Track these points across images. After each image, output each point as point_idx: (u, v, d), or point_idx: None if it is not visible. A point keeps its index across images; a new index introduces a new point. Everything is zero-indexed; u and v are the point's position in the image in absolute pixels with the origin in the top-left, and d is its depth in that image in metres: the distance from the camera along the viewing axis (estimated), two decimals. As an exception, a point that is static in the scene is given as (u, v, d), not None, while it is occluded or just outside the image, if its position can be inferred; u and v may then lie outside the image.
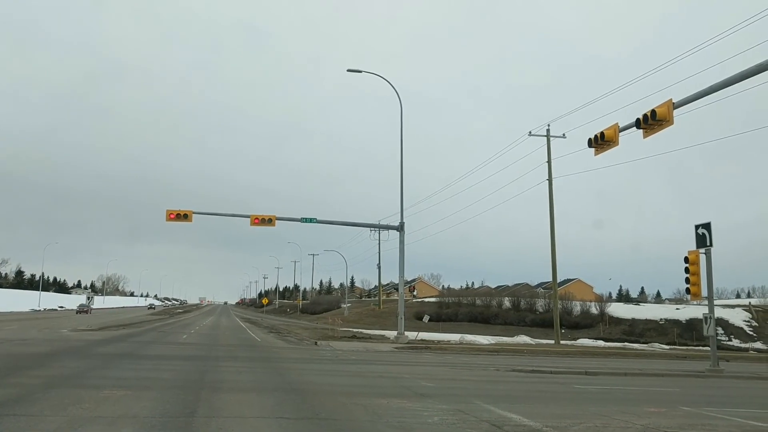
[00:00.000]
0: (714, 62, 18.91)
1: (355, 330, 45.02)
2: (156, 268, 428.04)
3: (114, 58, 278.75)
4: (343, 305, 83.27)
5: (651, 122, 16.48)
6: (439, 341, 34.71)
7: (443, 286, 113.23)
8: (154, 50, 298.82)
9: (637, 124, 16.96)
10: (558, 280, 40.55)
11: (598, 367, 21.82)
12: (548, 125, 38.09)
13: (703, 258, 22.08)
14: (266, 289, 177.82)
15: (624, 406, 11.41)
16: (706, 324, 22.28)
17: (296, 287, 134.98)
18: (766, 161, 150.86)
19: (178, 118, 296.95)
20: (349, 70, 35.06)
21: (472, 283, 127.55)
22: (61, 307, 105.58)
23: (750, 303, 60.27)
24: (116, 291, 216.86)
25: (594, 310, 55.85)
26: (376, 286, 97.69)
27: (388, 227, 39.09)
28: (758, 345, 43.75)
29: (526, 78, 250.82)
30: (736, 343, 44.79)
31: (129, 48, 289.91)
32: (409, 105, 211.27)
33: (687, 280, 22.43)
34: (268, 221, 35.53)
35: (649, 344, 41.81)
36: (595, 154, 19.15)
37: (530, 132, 37.80)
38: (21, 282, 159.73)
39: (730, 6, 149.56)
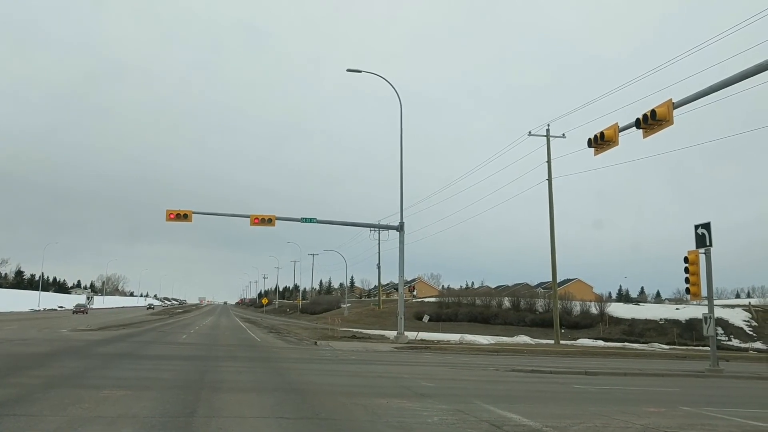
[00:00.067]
0: (714, 62, 18.93)
1: (354, 330, 45.03)
2: (156, 268, 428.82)
3: (114, 58, 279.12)
4: (343, 305, 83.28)
5: (651, 122, 16.47)
6: (438, 341, 34.72)
7: (443, 286, 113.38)
8: (154, 50, 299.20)
9: (637, 124, 16.95)
10: (558, 280, 40.55)
11: (598, 367, 21.82)
12: (548, 125, 38.17)
13: (702, 258, 22.08)
14: (266, 289, 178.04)
15: (624, 406, 11.41)
16: (705, 324, 22.29)
17: (296, 287, 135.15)
18: (765, 161, 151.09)
19: (178, 118, 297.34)
20: (348, 70, 35.10)
21: (472, 283, 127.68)
22: (61, 307, 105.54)
23: (750, 303, 60.29)
24: (116, 291, 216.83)
25: (594, 310, 55.87)
26: (375, 286, 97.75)
27: (388, 227, 39.10)
28: (758, 345, 43.77)
29: (526, 78, 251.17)
30: (735, 343, 44.81)
31: (129, 48, 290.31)
32: (409, 105, 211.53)
33: (687, 280, 22.43)
34: (268, 221, 35.53)
35: (649, 344, 41.82)
36: (595, 154, 19.15)
37: (530, 132, 37.85)
38: (21, 282, 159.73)
39: (730, 6, 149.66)
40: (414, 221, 57.54)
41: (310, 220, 37.63)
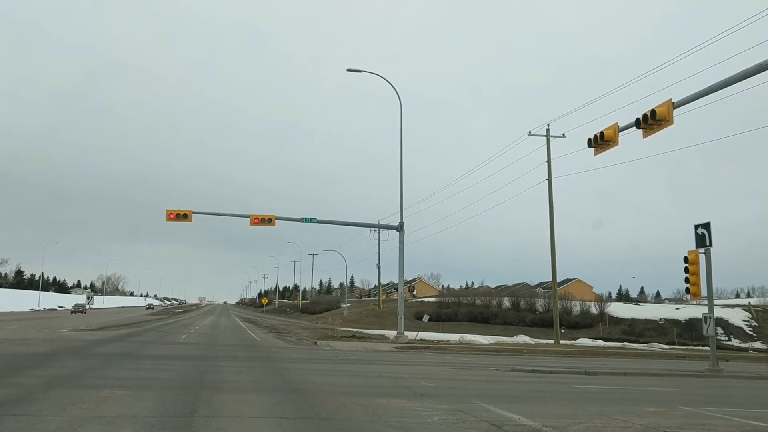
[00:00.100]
0: (714, 62, 18.92)
1: (354, 330, 45.04)
2: (156, 268, 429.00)
3: (114, 58, 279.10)
4: (343, 305, 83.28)
5: (651, 122, 16.48)
6: (438, 341, 34.72)
7: (443, 285, 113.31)
8: (154, 50, 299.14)
9: (637, 123, 16.96)
10: (558, 280, 40.55)
11: (598, 367, 21.83)
12: (548, 125, 38.16)
13: (702, 258, 22.09)
14: (266, 289, 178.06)
15: (624, 406, 11.42)
16: (705, 324, 22.29)
17: (296, 287, 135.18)
18: (765, 161, 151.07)
19: (178, 118, 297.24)
20: (348, 70, 35.09)
21: (472, 283, 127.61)
22: (61, 307, 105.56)
23: (750, 303, 60.28)
24: (116, 291, 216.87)
25: (594, 309, 55.84)
26: (375, 285, 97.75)
27: (387, 227, 39.10)
28: (758, 345, 43.76)
29: (526, 78, 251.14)
30: (735, 342, 44.80)
31: (129, 48, 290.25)
32: (409, 105, 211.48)
33: (687, 280, 22.43)
34: (267, 221, 35.54)
35: (649, 344, 41.82)
36: (595, 154, 19.15)
37: (530, 132, 37.84)
38: (21, 282, 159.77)
39: (730, 6, 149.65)
40: (414, 221, 57.64)
41: (310, 220, 37.64)
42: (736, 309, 52.84)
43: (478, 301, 63.15)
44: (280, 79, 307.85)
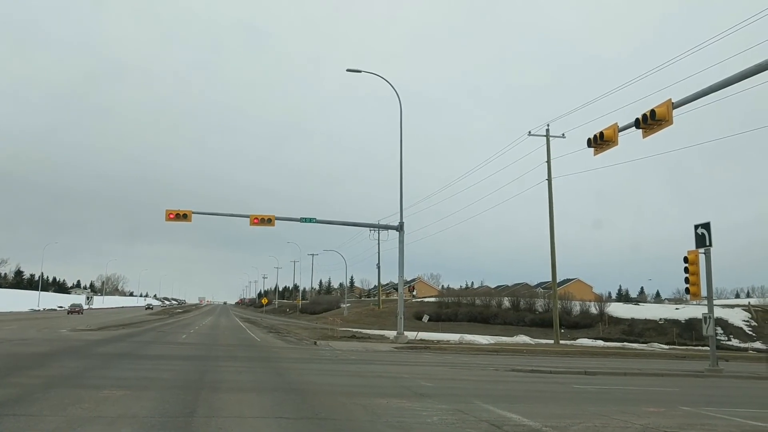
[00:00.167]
0: (713, 62, 18.93)
1: (354, 330, 45.04)
2: (156, 268, 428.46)
3: (114, 58, 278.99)
4: (343, 305, 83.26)
5: (650, 122, 16.48)
6: (438, 341, 34.73)
7: (443, 286, 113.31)
8: (154, 50, 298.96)
9: (637, 124, 16.96)
10: (557, 280, 40.56)
11: (598, 367, 21.84)
12: (548, 125, 38.17)
13: (702, 258, 22.09)
14: (266, 289, 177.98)
15: (623, 406, 11.42)
16: (705, 324, 22.29)
17: (296, 287, 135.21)
18: (765, 161, 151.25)
19: (178, 118, 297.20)
20: (348, 70, 35.09)
21: (472, 283, 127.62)
22: (60, 307, 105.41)
23: (749, 303, 60.27)
24: (116, 291, 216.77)
25: (593, 309, 55.85)
26: (375, 286, 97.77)
27: (387, 227, 39.11)
28: (757, 345, 43.75)
29: (526, 78, 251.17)
30: (735, 342, 44.80)
31: (129, 48, 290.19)
32: (408, 105, 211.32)
33: (686, 280, 22.44)
34: (267, 221, 35.53)
35: (649, 344, 41.82)
36: (595, 154, 19.15)
37: (530, 132, 37.85)
38: (20, 282, 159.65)
39: (730, 6, 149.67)
40: (414, 221, 57.55)
41: (310, 220, 37.64)
42: (736, 309, 52.85)
43: (477, 301, 63.14)
44: (280, 79, 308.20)
